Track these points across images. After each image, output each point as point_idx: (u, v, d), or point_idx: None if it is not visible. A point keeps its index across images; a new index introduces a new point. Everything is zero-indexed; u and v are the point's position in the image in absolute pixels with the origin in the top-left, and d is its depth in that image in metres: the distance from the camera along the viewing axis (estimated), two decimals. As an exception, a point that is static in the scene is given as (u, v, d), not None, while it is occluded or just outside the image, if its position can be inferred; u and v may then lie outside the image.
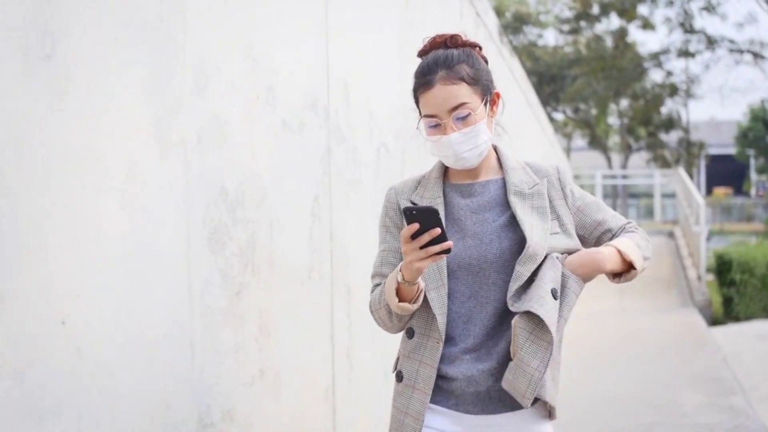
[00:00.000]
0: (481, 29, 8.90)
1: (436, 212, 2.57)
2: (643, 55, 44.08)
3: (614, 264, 2.87)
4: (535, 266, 2.81)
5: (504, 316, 2.85)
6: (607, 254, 2.87)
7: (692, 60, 42.50)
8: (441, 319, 2.85)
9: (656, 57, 42.74)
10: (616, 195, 46.02)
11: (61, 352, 2.27)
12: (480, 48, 3.00)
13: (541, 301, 2.73)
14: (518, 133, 13.14)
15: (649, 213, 40.65)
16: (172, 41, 2.80)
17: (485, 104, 2.91)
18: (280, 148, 3.59)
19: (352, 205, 4.45)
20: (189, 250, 2.89)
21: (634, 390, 9.75)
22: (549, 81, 45.24)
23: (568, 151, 48.22)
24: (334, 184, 4.19)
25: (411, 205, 2.96)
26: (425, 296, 2.86)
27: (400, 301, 2.81)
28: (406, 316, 2.90)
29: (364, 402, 4.65)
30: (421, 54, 2.99)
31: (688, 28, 40.41)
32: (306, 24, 3.92)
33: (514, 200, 2.92)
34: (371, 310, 2.98)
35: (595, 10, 43.86)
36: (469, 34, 7.99)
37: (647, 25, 42.37)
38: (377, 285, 3.00)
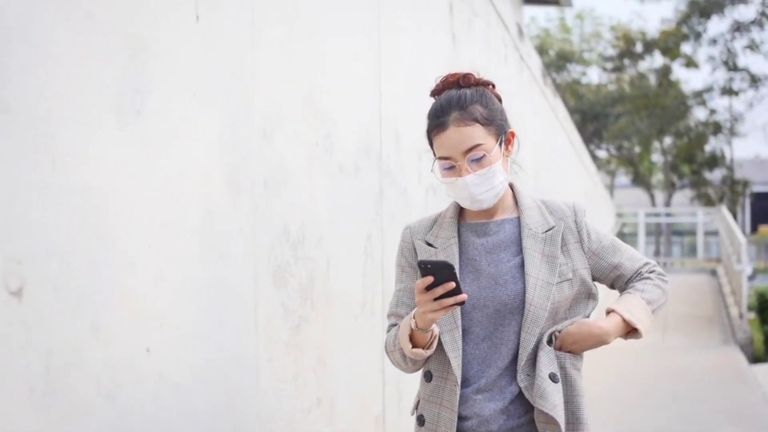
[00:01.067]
0: (525, 72, 9.14)
1: (451, 267, 2.56)
2: (686, 93, 44.07)
3: (618, 332, 2.89)
4: (539, 329, 2.79)
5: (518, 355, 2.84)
6: (608, 327, 2.87)
7: (736, 98, 42.38)
8: (455, 363, 2.82)
9: (700, 95, 42.73)
10: (660, 233, 45.93)
11: (146, 376, 2.53)
12: (493, 86, 2.97)
13: (543, 394, 2.75)
14: (562, 173, 13.34)
15: (693, 251, 40.62)
16: (243, 94, 3.06)
17: (500, 144, 2.87)
18: (336, 191, 3.85)
19: (402, 243, 4.69)
20: (256, 286, 3.14)
21: (675, 426, 9.89)
22: (592, 119, 45.30)
23: (611, 188, 48.24)
24: (385, 224, 4.44)
25: (426, 248, 2.96)
26: (440, 339, 2.84)
27: (413, 346, 2.79)
28: (420, 360, 2.89)
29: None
30: (434, 94, 2.96)
31: (731, 67, 40.42)
32: (360, 74, 4.18)
33: (526, 245, 2.88)
34: (386, 351, 2.97)
35: (639, 48, 43.95)
36: (513, 78, 8.30)
37: (691, 63, 42.39)
38: (393, 325, 2.98)
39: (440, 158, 2.85)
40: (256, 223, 3.14)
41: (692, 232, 43.52)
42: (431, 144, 2.91)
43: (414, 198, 4.93)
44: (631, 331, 2.93)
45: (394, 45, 4.61)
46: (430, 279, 2.56)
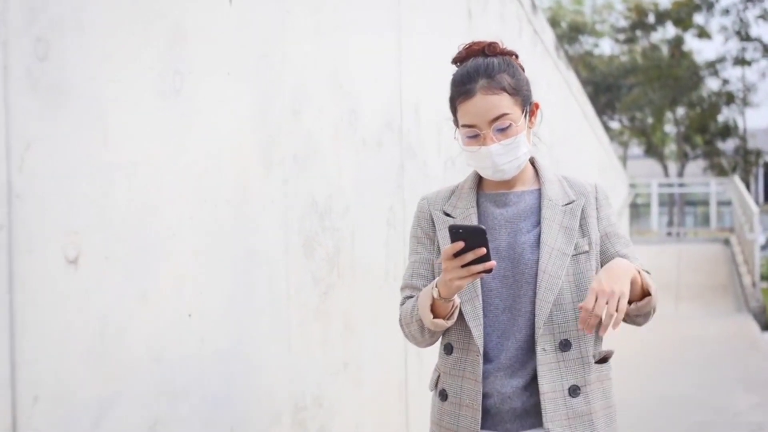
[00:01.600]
0: (539, 46, 9.27)
1: (483, 232, 2.54)
2: (699, 63, 44.13)
3: (634, 276, 2.69)
4: (553, 296, 2.75)
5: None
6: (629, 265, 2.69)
7: (748, 68, 42.41)
8: (477, 333, 2.79)
9: (712, 65, 42.81)
10: (673, 203, 46.01)
11: (188, 340, 2.69)
12: (517, 56, 2.93)
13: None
14: (576, 145, 13.47)
15: (706, 221, 40.72)
16: (273, 74, 3.21)
17: (525, 115, 2.82)
18: (361, 165, 4.00)
19: (422, 215, 4.86)
20: (287, 255, 3.30)
21: (690, 391, 10.08)
22: (605, 90, 45.39)
23: (624, 159, 48.28)
24: (407, 197, 4.59)
25: (444, 219, 2.92)
26: (460, 309, 2.80)
27: (434, 317, 2.75)
28: (438, 331, 2.85)
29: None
30: (457, 61, 2.92)
31: (744, 37, 40.45)
32: (381, 51, 4.33)
33: (545, 215, 2.84)
34: (401, 323, 2.92)
35: (651, 19, 44.03)
36: (527, 51, 8.42)
37: (703, 33, 42.44)
38: (408, 297, 2.94)
39: (464, 126, 2.80)
40: (286, 195, 3.30)
41: (705, 202, 43.58)
42: (455, 111, 2.86)
43: (433, 171, 5.08)
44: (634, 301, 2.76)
45: (413, 21, 4.76)
46: (460, 244, 2.54)
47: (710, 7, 39.23)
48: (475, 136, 2.79)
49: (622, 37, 47.10)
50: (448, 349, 2.89)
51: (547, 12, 45.85)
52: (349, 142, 3.87)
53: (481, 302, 2.80)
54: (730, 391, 10.12)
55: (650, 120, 48.04)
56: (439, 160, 5.22)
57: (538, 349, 2.76)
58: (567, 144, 12.20)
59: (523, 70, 2.89)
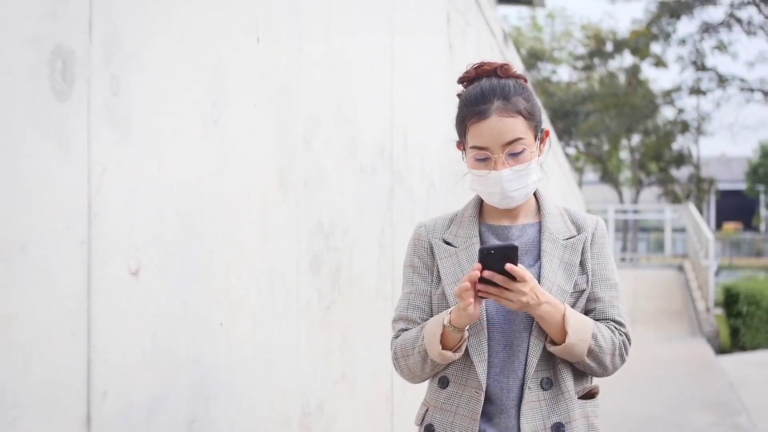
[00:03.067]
0: (510, 75, 9.62)
1: (516, 249, 2.52)
2: (655, 92, 44.82)
3: (551, 317, 2.65)
4: (546, 336, 2.71)
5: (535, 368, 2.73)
6: (549, 300, 2.65)
7: (704, 98, 43.11)
8: (480, 368, 2.71)
9: (668, 94, 43.46)
10: (627, 229, 46.60)
11: (220, 347, 2.97)
12: (527, 80, 2.85)
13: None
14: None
15: (660, 247, 41.33)
16: (290, 105, 3.51)
17: (536, 142, 2.76)
18: (358, 189, 4.30)
19: (408, 237, 5.18)
20: (298, 272, 3.59)
21: (647, 411, 10.48)
22: (562, 116, 45.96)
23: (580, 184, 48.85)
24: (395, 219, 4.89)
25: (445, 248, 2.87)
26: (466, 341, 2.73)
27: (443, 348, 2.69)
28: (443, 365, 2.77)
29: (415, 409, 5.35)
30: (465, 81, 2.86)
31: (699, 67, 41.12)
32: (377, 83, 4.64)
33: (545, 248, 2.78)
34: (396, 357, 2.86)
35: (609, 47, 44.63)
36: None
37: (660, 63, 43.12)
38: (403, 330, 2.88)
39: (475, 147, 2.73)
40: (298, 217, 3.59)
41: (658, 229, 44.25)
42: (463, 132, 2.79)
43: (418, 195, 5.39)
44: (557, 336, 2.70)
45: (403, 57, 5.07)
46: (484, 271, 2.52)
47: (667, 37, 39.87)
48: (485, 159, 2.71)
49: (580, 64, 47.77)
50: (443, 382, 2.80)
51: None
52: (349, 169, 4.17)
53: (486, 336, 2.73)
54: (688, 410, 10.53)
55: (606, 147, 48.75)
56: (423, 185, 5.53)
57: (525, 387, 2.71)
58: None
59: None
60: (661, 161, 46.67)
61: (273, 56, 3.35)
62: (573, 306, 2.75)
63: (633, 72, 44.27)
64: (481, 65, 2.85)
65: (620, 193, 50.44)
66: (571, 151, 50.63)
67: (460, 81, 2.88)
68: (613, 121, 42.56)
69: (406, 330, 2.87)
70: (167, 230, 2.63)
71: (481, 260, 2.53)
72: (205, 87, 2.86)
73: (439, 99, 5.98)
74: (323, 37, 3.86)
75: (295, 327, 3.57)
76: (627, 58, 45.09)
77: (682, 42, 40.37)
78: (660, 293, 23.54)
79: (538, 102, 2.83)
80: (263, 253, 3.27)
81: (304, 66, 3.62)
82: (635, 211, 45.08)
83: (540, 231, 2.84)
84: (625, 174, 52.64)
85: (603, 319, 2.78)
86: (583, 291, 2.78)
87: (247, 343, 3.15)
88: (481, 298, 2.60)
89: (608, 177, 50.16)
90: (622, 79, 45.29)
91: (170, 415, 2.64)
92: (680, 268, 27.21)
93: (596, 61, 46.13)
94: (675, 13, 38.64)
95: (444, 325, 2.66)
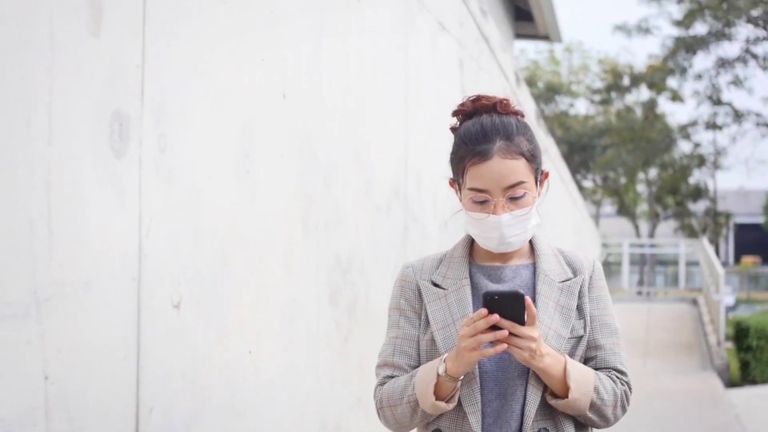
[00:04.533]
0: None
1: (522, 298, 2.39)
2: (671, 126, 45.01)
3: (553, 369, 2.51)
4: (543, 384, 2.57)
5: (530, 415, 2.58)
6: (549, 352, 2.51)
7: (720, 132, 43.38)
8: (474, 419, 2.56)
9: (684, 129, 43.64)
10: (644, 262, 46.78)
11: (248, 371, 3.33)
12: (524, 116, 2.69)
13: None
14: (552, 206, 14.19)
15: (676, 280, 41.52)
16: (311, 153, 3.88)
17: (536, 184, 2.63)
18: (374, 228, 4.67)
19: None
20: (318, 304, 3.95)
21: (655, 441, 10.77)
22: (579, 150, 46.28)
23: (597, 217, 49.12)
24: (409, 255, 5.25)
25: (434, 291, 2.71)
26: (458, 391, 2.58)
27: (436, 399, 2.54)
28: (433, 416, 2.61)
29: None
30: (459, 113, 2.72)
31: (716, 101, 41.36)
32: (392, 130, 5.01)
33: (541, 291, 2.63)
34: (381, 405, 2.69)
35: (626, 81, 44.92)
36: (511, 120, 9.08)
37: (676, 97, 43.32)
38: (389, 377, 2.71)
39: (473, 189, 2.58)
40: (319, 254, 3.95)
41: (676, 262, 44.46)
42: (461, 172, 2.63)
43: (430, 233, 5.75)
44: (558, 390, 2.57)
45: (417, 104, 5.44)
46: (496, 317, 2.39)
47: (683, 72, 40.16)
48: (483, 201, 2.57)
49: (597, 98, 48.10)
50: None
51: (525, 72, 46.81)
52: (365, 209, 4.53)
53: (479, 385, 2.57)
54: (694, 442, 10.83)
55: (623, 180, 48.96)
56: (435, 223, 5.89)
57: None
58: (544, 205, 12.93)
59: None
60: (678, 195, 46.82)
61: (296, 109, 3.72)
62: (571, 354, 2.61)
63: (650, 106, 44.51)
64: (478, 98, 2.69)
65: (637, 227, 50.62)
66: (589, 183, 50.92)
67: (455, 114, 2.73)
68: (630, 154, 42.77)
69: (392, 377, 2.70)
70: (204, 268, 2.99)
71: (485, 305, 2.39)
72: (238, 141, 3.23)
73: (451, 142, 6.34)
74: (341, 88, 4.23)
75: (315, 354, 3.92)
76: (644, 93, 45.38)
77: (699, 77, 40.65)
78: (672, 326, 23.80)
79: (538, 142, 2.67)
80: (287, 287, 3.63)
81: (324, 116, 3.99)
82: (651, 245, 45.29)
83: (534, 273, 2.68)
84: (642, 207, 52.80)
85: (604, 368, 2.64)
86: (581, 338, 2.63)
87: (272, 368, 3.51)
88: (491, 343, 2.42)
89: (625, 210, 50.37)
90: (638, 112, 45.52)
91: (205, 430, 3.00)
92: (694, 302, 27.47)
93: (613, 94, 46.43)
94: (691, 49, 38.97)
95: (438, 374, 2.51)
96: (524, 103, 10.33)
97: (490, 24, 8.09)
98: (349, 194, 4.31)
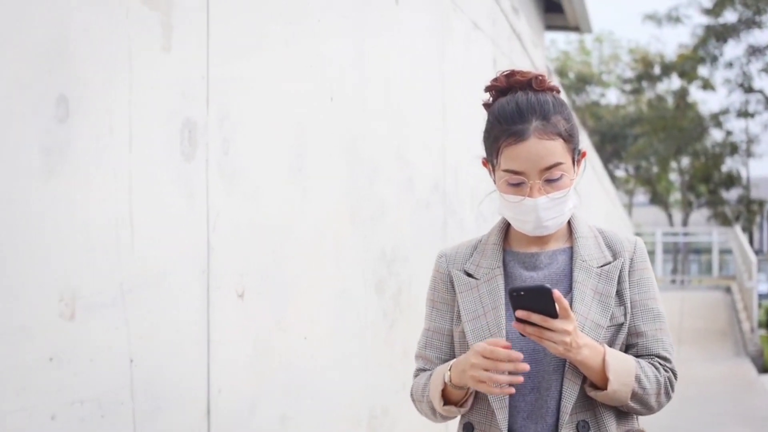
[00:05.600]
0: (553, 109, 10.22)
1: (549, 292, 2.28)
2: (703, 115, 44.94)
3: (591, 362, 2.41)
4: (582, 376, 2.47)
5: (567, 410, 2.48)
6: (588, 343, 2.42)
7: (751, 120, 43.36)
8: (501, 416, 2.48)
9: (716, 117, 43.60)
10: (678, 251, 46.80)
11: (303, 357, 3.58)
12: (560, 92, 2.60)
13: None
14: (585, 197, 14.41)
15: (710, 269, 41.54)
16: (358, 153, 4.12)
17: (574, 165, 2.51)
18: (415, 222, 4.91)
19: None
20: (366, 294, 4.19)
21: (686, 425, 11.02)
22: (611, 139, 46.33)
23: (629, 207, 49.09)
24: (448, 247, 5.50)
25: (466, 280, 2.64)
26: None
27: (446, 403, 2.54)
28: (452, 416, 2.61)
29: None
30: (492, 89, 2.58)
31: (747, 89, 41.35)
32: (430, 129, 5.25)
33: (578, 278, 2.52)
34: (413, 398, 2.75)
35: (657, 70, 44.90)
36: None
37: (707, 85, 43.23)
38: (421, 370, 2.73)
39: (508, 171, 2.47)
40: (366, 247, 4.19)
41: (710, 251, 44.45)
42: (495, 152, 2.51)
43: (468, 225, 5.99)
44: (598, 381, 2.47)
45: (453, 103, 5.68)
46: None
47: (714, 60, 40.20)
48: (519, 184, 2.47)
49: (628, 87, 48.10)
50: (467, 429, 2.60)
51: (555, 62, 46.88)
52: (407, 204, 4.77)
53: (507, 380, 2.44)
54: (726, 425, 11.05)
55: (655, 169, 48.89)
56: (472, 217, 6.13)
57: None
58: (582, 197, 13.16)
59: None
60: (711, 183, 46.67)
61: (343, 112, 3.96)
62: (611, 343, 2.50)
63: (681, 95, 44.48)
64: (512, 74, 2.56)
65: (670, 216, 50.56)
66: (621, 173, 50.95)
67: (488, 90, 2.59)
68: (662, 143, 42.78)
69: (424, 370, 2.72)
70: (264, 260, 3.25)
71: (512, 303, 2.32)
72: (291, 143, 3.47)
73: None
74: (383, 90, 4.47)
75: (363, 342, 4.17)
76: (675, 81, 45.36)
77: (729, 65, 40.67)
78: (706, 314, 24.00)
79: (576, 120, 2.57)
80: (337, 278, 3.88)
81: (368, 117, 4.24)
82: (684, 234, 45.29)
83: (572, 258, 2.57)
84: (675, 196, 52.75)
85: (646, 355, 2.53)
86: (621, 325, 2.53)
87: (325, 354, 3.76)
88: (523, 336, 2.38)
89: (658, 199, 50.33)
90: (670, 101, 45.50)
91: (266, 410, 3.25)
92: (728, 290, 27.60)
93: (644, 84, 46.41)
94: (721, 37, 39.00)
95: (444, 381, 2.51)
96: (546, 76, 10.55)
97: (521, 21, 8.32)
98: (392, 190, 4.55)
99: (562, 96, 2.61)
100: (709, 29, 39.37)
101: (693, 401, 12.93)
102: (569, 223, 2.62)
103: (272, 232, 3.31)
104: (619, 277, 2.55)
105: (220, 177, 2.96)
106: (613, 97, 51.51)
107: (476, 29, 6.39)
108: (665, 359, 2.55)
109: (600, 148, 42.63)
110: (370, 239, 4.25)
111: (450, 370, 2.50)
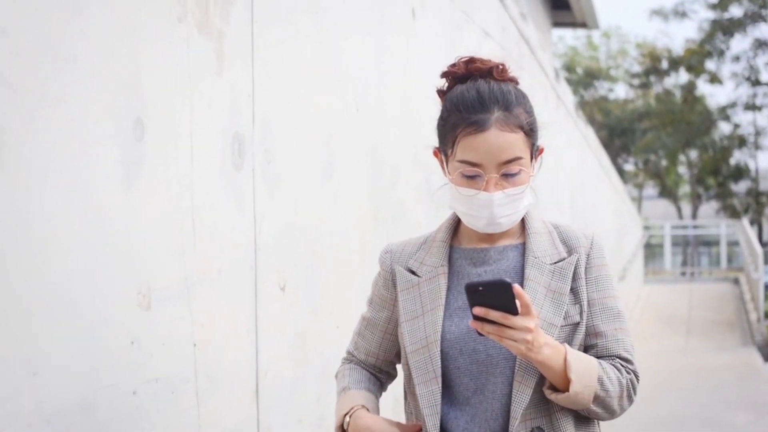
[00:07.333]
0: (561, 108, 10.59)
1: (509, 287, 2.13)
2: (711, 108, 45.18)
3: (552, 362, 2.25)
4: (535, 380, 2.32)
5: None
6: (548, 342, 2.26)
7: (759, 113, 43.61)
8: (431, 423, 2.35)
9: (724, 110, 43.86)
10: (687, 243, 47.05)
11: (336, 344, 3.96)
12: (518, 83, 2.49)
13: None
14: (593, 194, 14.77)
15: (719, 261, 41.83)
16: (380, 158, 4.51)
17: (532, 161, 2.39)
18: (432, 221, 5.25)
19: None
20: (389, 287, 4.58)
21: (692, 411, 11.43)
22: (620, 134, 46.61)
23: (639, 200, 49.39)
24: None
25: (408, 277, 2.55)
26: (416, 391, 2.39)
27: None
28: None
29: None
30: (453, 76, 2.49)
31: (754, 82, 41.60)
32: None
33: (529, 275, 2.38)
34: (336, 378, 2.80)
35: (664, 65, 45.13)
36: (551, 113, 9.74)
37: (715, 79, 43.43)
38: (349, 355, 2.80)
39: (464, 162, 2.36)
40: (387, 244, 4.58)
41: (719, 243, 44.71)
42: (451, 141, 2.41)
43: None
44: (558, 383, 2.31)
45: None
46: (475, 308, 2.18)
47: (721, 54, 40.49)
48: (474, 176, 2.34)
49: (636, 82, 48.39)
50: None
51: (563, 58, 47.17)
52: (425, 204, 5.16)
53: (440, 385, 2.36)
54: (731, 411, 11.43)
55: (664, 162, 49.14)
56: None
57: None
58: (585, 193, 13.55)
59: None
60: (719, 176, 46.86)
61: (366, 121, 4.35)
62: (568, 343, 2.35)
63: (689, 89, 44.74)
64: (472, 60, 2.47)
65: (679, 209, 50.81)
66: (630, 167, 51.22)
67: (445, 75, 2.52)
68: (670, 137, 43.09)
69: (351, 357, 2.79)
70: (300, 257, 3.64)
71: (469, 299, 2.17)
72: (323, 151, 3.87)
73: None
74: (401, 99, 4.87)
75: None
76: (682, 76, 45.62)
77: (736, 59, 40.97)
78: (714, 305, 24.38)
79: (536, 115, 2.47)
80: (362, 273, 4.26)
81: (388, 125, 4.63)
82: (694, 227, 45.55)
83: (523, 254, 2.44)
84: (684, 189, 52.98)
85: (607, 356, 2.39)
86: (578, 324, 2.38)
87: (355, 341, 4.15)
88: (480, 335, 2.25)
89: (667, 192, 50.57)
90: (678, 95, 45.75)
91: (305, 391, 3.65)
92: (736, 281, 27.95)
93: (652, 78, 46.67)
94: (728, 31, 39.30)
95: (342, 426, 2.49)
96: (563, 96, 10.93)
97: (529, 26, 8.71)
98: (410, 192, 4.94)
99: (522, 88, 2.51)
100: (715, 24, 39.67)
101: (701, 389, 13.33)
102: (523, 219, 2.47)
103: (307, 231, 3.70)
104: (574, 273, 2.41)
105: (264, 184, 3.35)
106: (621, 91, 51.75)
107: (487, 37, 6.77)
108: (627, 360, 2.40)
109: (609, 143, 42.94)
110: (391, 237, 4.63)
111: (350, 417, 2.47)
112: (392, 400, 3.50)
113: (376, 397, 2.63)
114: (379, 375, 2.72)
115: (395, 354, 2.63)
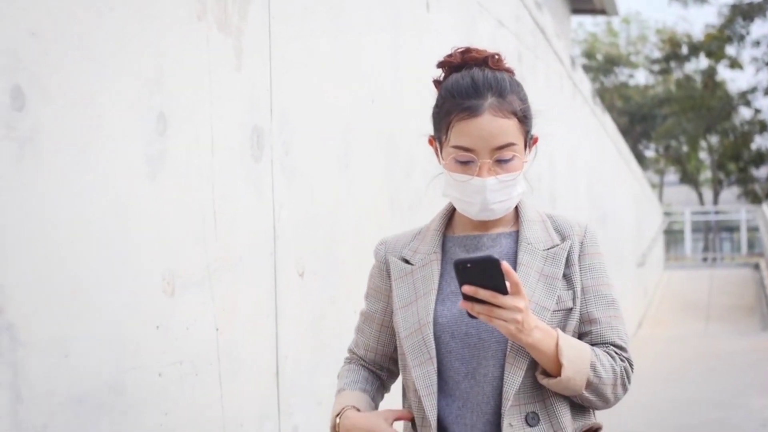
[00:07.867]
0: (578, 96, 10.68)
1: (497, 263, 2.13)
2: (731, 93, 45.04)
3: (543, 346, 2.25)
4: (527, 362, 2.31)
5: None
6: (539, 325, 2.25)
7: (780, 98, 43.37)
8: (428, 403, 2.35)
9: (744, 95, 43.72)
10: (709, 229, 46.99)
11: (353, 328, 4.09)
12: (514, 74, 2.48)
13: None
14: (611, 181, 14.84)
15: (739, 246, 41.79)
16: (395, 150, 4.63)
17: (526, 149, 2.42)
18: (448, 207, 5.42)
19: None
20: (405, 273, 4.71)
21: (709, 395, 11.54)
22: (640, 120, 46.50)
23: (660, 186, 49.36)
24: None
25: (402, 267, 2.57)
26: (412, 374, 2.40)
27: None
28: None
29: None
30: (446, 65, 2.49)
31: (774, 67, 41.47)
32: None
33: (522, 260, 2.39)
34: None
35: (684, 50, 44.98)
36: (567, 102, 9.85)
37: (735, 64, 43.22)
38: (351, 353, 2.81)
39: (458, 147, 2.36)
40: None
41: (740, 228, 44.65)
42: (446, 127, 2.40)
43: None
44: (550, 368, 2.30)
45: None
46: (464, 286, 2.17)
47: (741, 39, 40.34)
48: (468, 162, 2.36)
49: (656, 68, 48.20)
50: (413, 421, 2.48)
51: (583, 44, 47.16)
52: (438, 193, 5.27)
53: (435, 366, 2.36)
54: (747, 394, 11.53)
55: (685, 148, 49.07)
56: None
57: (504, 423, 2.31)
58: (602, 181, 13.64)
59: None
60: (740, 161, 46.77)
61: (382, 112, 4.47)
62: (561, 329, 2.34)
63: (709, 74, 44.55)
64: (468, 50, 2.47)
65: (700, 194, 50.71)
66: (651, 153, 51.18)
67: (441, 66, 2.51)
68: (691, 123, 42.94)
69: (353, 354, 2.81)
70: (318, 244, 3.77)
71: (458, 277, 2.17)
72: (339, 141, 3.99)
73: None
74: (416, 90, 4.97)
75: (404, 315, 4.68)
76: (702, 61, 45.46)
77: (757, 43, 40.80)
78: (734, 291, 24.42)
79: (530, 104, 2.47)
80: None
81: (404, 116, 4.75)
82: (715, 212, 45.48)
83: (517, 241, 2.45)
84: (705, 175, 52.89)
85: (601, 344, 2.39)
86: (571, 310, 2.39)
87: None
88: (471, 317, 2.23)
89: (688, 178, 50.50)
90: (698, 81, 45.63)
91: (324, 374, 3.77)
92: (756, 267, 27.96)
93: (672, 64, 46.48)
94: (748, 16, 39.15)
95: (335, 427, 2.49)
96: (580, 84, 11.01)
97: (545, 15, 8.80)
98: (426, 181, 5.06)
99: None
100: (735, 8, 39.49)
101: (720, 372, 13.43)
102: (516, 207, 2.48)
103: (325, 220, 3.83)
104: (568, 259, 2.42)
105: (283, 174, 3.48)
106: (641, 77, 51.74)
107: (501, 27, 6.88)
108: (621, 348, 2.40)
109: (629, 129, 42.96)
110: (407, 225, 4.75)
111: (340, 418, 2.47)
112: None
113: (372, 396, 2.61)
114: (380, 372, 2.71)
115: (394, 349, 2.62)
